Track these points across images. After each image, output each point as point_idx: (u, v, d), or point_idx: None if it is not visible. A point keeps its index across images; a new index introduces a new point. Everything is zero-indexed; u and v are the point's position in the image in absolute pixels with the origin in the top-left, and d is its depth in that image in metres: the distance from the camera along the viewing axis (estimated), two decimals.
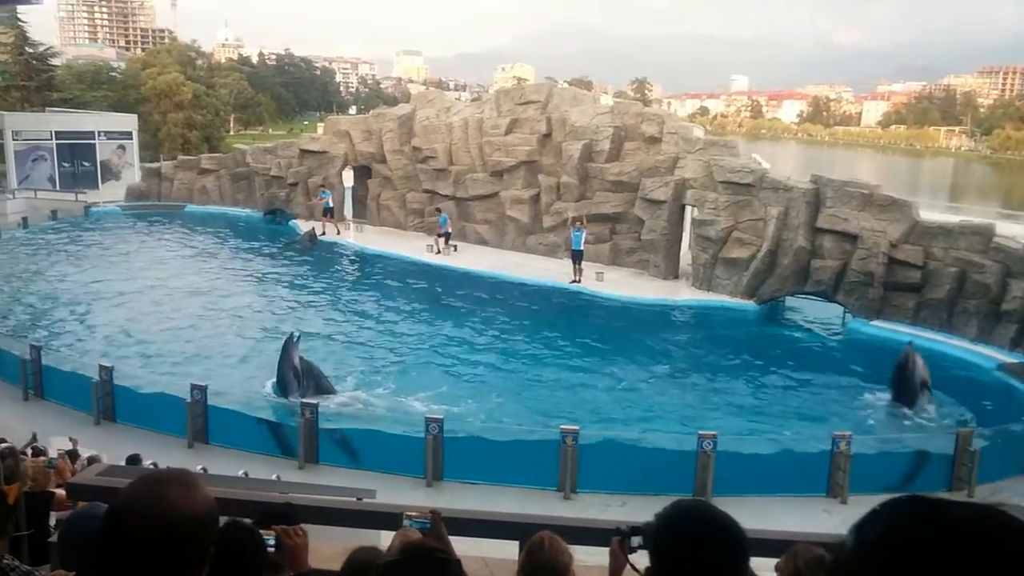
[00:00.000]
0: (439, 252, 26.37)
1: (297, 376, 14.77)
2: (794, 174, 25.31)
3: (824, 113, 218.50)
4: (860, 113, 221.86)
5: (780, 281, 21.58)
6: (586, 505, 11.56)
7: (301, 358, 15.02)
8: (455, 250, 26.57)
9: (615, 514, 11.04)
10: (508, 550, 4.65)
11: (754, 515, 10.75)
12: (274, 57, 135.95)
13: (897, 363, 15.42)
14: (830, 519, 11.39)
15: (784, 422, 14.80)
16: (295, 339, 15.24)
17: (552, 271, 24.20)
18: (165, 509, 1.51)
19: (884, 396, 15.89)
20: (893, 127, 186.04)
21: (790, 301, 22.43)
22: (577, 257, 23.40)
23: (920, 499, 0.92)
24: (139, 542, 1.49)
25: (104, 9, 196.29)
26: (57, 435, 12.27)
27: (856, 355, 18.68)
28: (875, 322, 19.99)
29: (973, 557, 0.84)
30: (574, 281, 23.34)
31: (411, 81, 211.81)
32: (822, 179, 21.74)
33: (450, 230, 26.64)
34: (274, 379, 15.25)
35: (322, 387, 14.94)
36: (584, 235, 23.40)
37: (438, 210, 27.41)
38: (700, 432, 12.10)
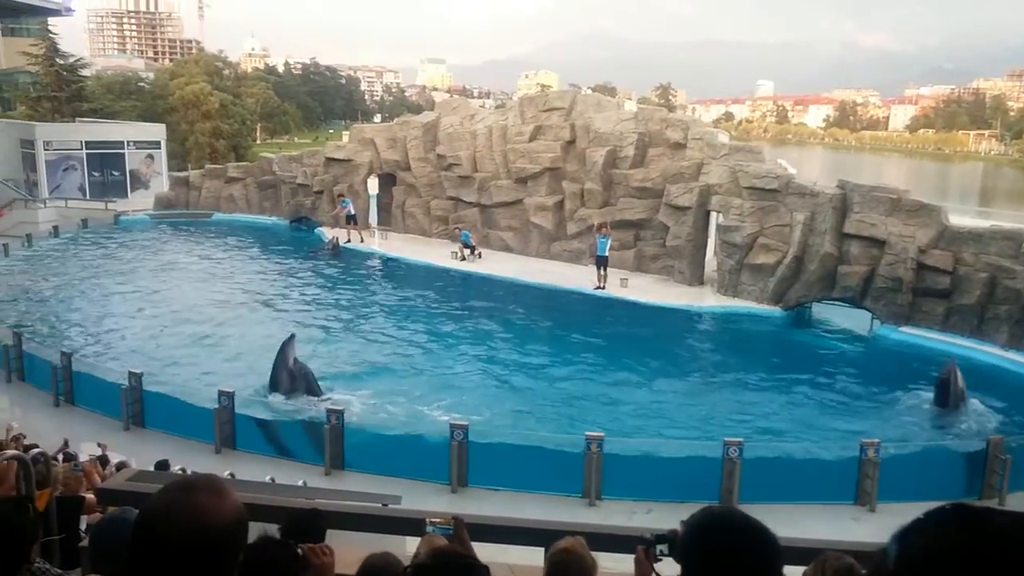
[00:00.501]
0: (464, 259, 26.44)
1: (291, 375, 15.09)
2: (820, 179, 25.08)
3: (851, 118, 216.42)
4: (887, 117, 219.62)
5: (806, 287, 21.37)
6: (611, 512, 11.51)
7: (295, 359, 15.35)
8: (479, 257, 26.62)
9: (640, 521, 10.99)
10: (533, 557, 4.63)
11: (781, 522, 10.51)
12: (300, 66, 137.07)
13: (940, 378, 15.33)
14: (859, 527, 11.25)
15: (812, 429, 14.64)
16: (292, 339, 15.61)
17: (576, 277, 24.15)
18: (194, 515, 1.53)
19: (913, 402, 15.69)
20: (921, 131, 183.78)
21: (817, 307, 22.20)
22: (602, 263, 23.35)
23: (963, 508, 0.91)
24: (169, 548, 1.51)
25: (133, 20, 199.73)
26: (87, 441, 12.45)
27: (885, 361, 18.46)
28: (904, 328, 19.74)
29: (1018, 566, 0.82)
30: (599, 287, 23.30)
31: (435, 89, 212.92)
32: (849, 184, 21.53)
33: (473, 243, 26.73)
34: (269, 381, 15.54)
35: (311, 390, 15.19)
36: (609, 241, 23.36)
37: (458, 229, 27.49)
38: (726, 439, 12.01)
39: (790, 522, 10.78)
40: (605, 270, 23.38)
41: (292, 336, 15.82)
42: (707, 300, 22.94)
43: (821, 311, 22.26)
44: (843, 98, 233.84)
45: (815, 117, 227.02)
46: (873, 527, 11.24)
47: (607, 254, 23.33)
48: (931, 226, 19.77)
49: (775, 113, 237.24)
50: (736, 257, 22.41)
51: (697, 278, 24.14)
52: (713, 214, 23.88)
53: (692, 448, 12.98)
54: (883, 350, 19.32)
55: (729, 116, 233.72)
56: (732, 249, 22.47)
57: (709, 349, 20.15)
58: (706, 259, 24.54)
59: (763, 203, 22.12)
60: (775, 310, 21.62)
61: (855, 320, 21.35)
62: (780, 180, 22.09)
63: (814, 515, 11.50)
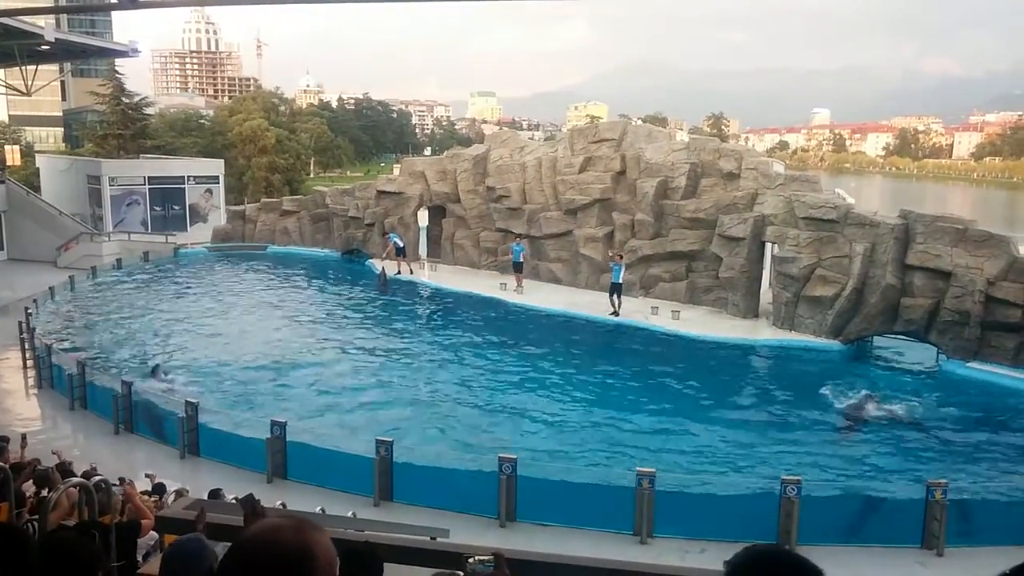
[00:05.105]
0: (516, 288, 26.41)
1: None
2: (881, 209, 24.53)
3: (912, 146, 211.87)
4: (951, 145, 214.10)
5: (867, 320, 20.78)
6: (663, 550, 11.21)
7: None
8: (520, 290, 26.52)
9: (694, 561, 10.68)
10: None
11: (842, 566, 10.23)
12: (353, 101, 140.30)
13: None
14: (926, 572, 10.76)
15: (875, 468, 14.12)
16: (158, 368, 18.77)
17: (629, 309, 23.84)
18: (276, 555, 1.55)
19: (982, 438, 15.03)
20: (987, 159, 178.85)
21: (878, 341, 21.56)
22: (616, 290, 23.59)
23: None
24: None
25: (195, 60, 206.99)
26: (143, 469, 12.64)
27: (952, 398, 17.74)
28: (972, 363, 19.02)
29: None
30: (613, 313, 23.39)
31: (485, 122, 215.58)
32: (912, 214, 20.97)
33: (522, 260, 26.86)
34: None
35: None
36: (623, 269, 23.67)
37: (518, 239, 27.70)
38: (784, 477, 11.63)
39: (852, 565, 10.41)
40: (619, 297, 23.55)
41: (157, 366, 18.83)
42: (762, 333, 22.45)
43: (883, 345, 21.60)
44: (904, 126, 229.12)
45: (874, 145, 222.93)
46: (941, 572, 10.75)
47: (621, 281, 23.56)
48: (1000, 257, 19.09)
49: (832, 141, 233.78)
50: (793, 289, 21.94)
51: (751, 310, 23.69)
52: (768, 245, 23.47)
53: (748, 486, 12.62)
54: (950, 386, 18.60)
55: (784, 145, 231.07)
56: (788, 281, 22.01)
57: (766, 384, 19.65)
58: (761, 291, 24.08)
59: (821, 234, 21.67)
60: (834, 344, 21.05)
61: (919, 355, 20.65)
62: (838, 210, 21.63)
63: (877, 558, 11.06)
